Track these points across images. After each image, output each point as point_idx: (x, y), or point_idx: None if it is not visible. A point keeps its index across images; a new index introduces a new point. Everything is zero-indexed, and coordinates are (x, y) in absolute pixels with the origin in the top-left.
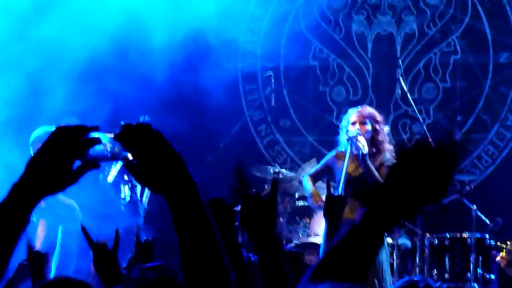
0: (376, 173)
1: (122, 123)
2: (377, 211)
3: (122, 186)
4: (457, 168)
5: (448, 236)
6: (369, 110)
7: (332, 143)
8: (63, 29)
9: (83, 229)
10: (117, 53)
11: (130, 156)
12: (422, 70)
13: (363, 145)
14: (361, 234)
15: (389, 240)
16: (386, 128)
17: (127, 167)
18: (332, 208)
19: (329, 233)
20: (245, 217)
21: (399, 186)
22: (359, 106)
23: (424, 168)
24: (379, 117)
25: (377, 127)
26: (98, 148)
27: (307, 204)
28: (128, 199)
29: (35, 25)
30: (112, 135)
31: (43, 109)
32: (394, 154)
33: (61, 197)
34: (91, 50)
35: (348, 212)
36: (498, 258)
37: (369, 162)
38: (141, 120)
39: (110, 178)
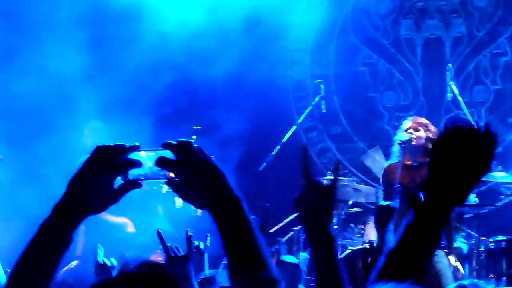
0: None
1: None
2: (427, 203)
3: None
4: (495, 148)
5: (505, 239)
6: (423, 119)
7: (383, 149)
8: None
9: (159, 235)
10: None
11: (172, 174)
12: (473, 73)
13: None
14: (417, 231)
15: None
16: None
17: (170, 185)
18: (382, 218)
19: (380, 242)
20: (303, 202)
21: (442, 172)
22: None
23: (463, 151)
24: (432, 127)
25: (431, 135)
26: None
27: (361, 211)
28: None
29: None
30: (153, 154)
31: None
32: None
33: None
34: None
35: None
36: None
37: None
38: (193, 129)
39: (164, 190)
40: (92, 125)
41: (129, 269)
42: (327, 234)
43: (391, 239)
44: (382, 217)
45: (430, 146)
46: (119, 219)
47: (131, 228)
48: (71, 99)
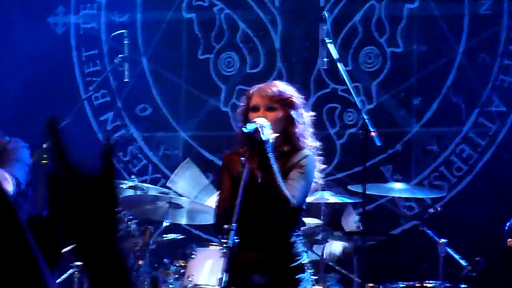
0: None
1: None
2: None
3: None
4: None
5: (402, 287)
6: (280, 87)
7: (218, 141)
8: None
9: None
10: None
11: None
12: (359, 26)
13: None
14: None
15: None
16: (307, 115)
17: None
18: None
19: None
20: (68, 206)
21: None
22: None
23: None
24: (297, 98)
25: (293, 114)
26: None
27: (180, 237)
28: None
29: None
30: None
31: None
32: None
33: None
34: None
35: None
36: None
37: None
38: None
39: None
40: None
41: None
42: (114, 253)
43: None
44: None
45: (292, 128)
46: None
47: None
48: None
